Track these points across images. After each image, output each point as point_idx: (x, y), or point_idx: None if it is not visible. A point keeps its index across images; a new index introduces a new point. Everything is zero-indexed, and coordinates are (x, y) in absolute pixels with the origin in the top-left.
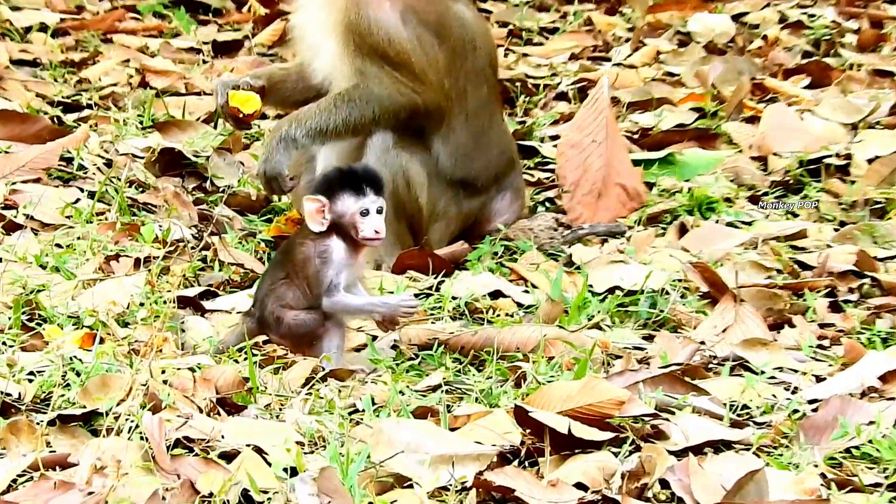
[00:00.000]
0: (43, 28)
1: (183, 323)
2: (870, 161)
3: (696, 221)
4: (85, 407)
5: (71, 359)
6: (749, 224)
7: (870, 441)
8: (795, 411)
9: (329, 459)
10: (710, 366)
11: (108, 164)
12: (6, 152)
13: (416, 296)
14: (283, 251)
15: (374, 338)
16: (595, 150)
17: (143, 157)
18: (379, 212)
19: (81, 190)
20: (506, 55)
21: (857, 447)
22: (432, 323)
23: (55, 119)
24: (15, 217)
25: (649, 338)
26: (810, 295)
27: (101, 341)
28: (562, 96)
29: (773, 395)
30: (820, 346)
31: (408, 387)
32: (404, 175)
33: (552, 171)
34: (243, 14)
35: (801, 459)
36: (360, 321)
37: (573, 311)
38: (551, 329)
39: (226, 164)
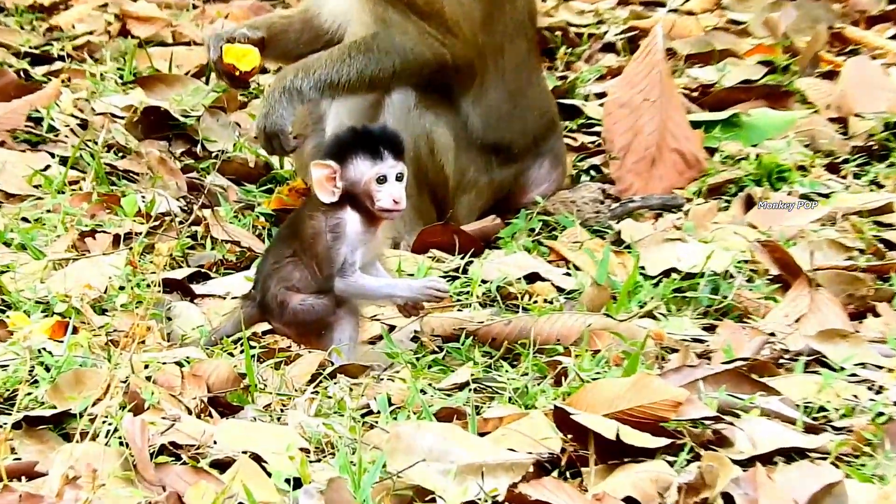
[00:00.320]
0: None
1: (169, 310)
2: None
3: (765, 193)
4: (55, 407)
5: (39, 351)
6: (826, 196)
7: None
8: (880, 414)
9: (338, 469)
10: (781, 361)
11: (83, 125)
12: None
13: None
14: (289, 225)
15: (392, 328)
16: (648, 111)
17: (123, 118)
18: (399, 179)
19: (52, 155)
20: (544, 0)
21: None
22: (459, 311)
23: (21, 73)
24: None
25: (710, 328)
26: None
27: (75, 331)
28: (609, 47)
29: (855, 396)
30: None
31: (430, 385)
32: (428, 139)
33: (598, 134)
34: None
35: (888, 470)
36: (377, 307)
37: (622, 297)
38: (597, 318)
39: (219, 125)
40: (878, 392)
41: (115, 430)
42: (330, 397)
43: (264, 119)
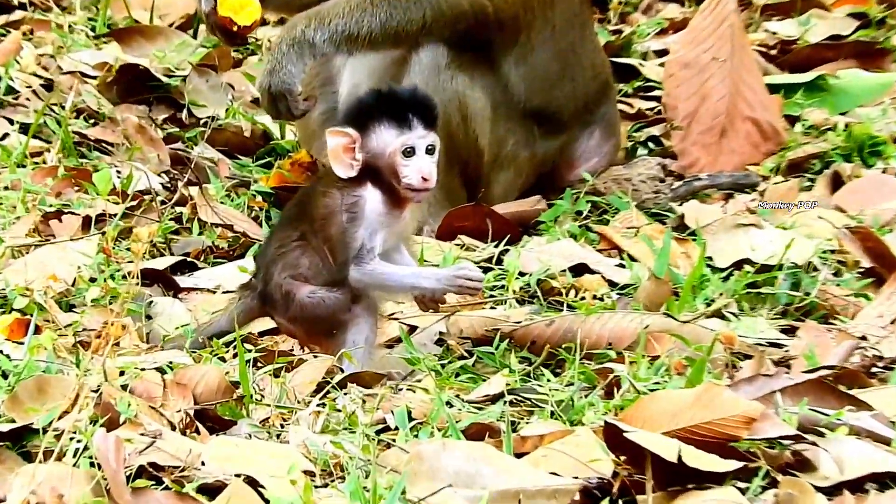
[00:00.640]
0: None
1: (149, 306)
2: None
3: (856, 170)
4: (14, 421)
5: None
6: None
7: None
8: None
9: (349, 496)
10: (874, 370)
11: (48, 86)
12: None
13: None
14: (297, 203)
15: (413, 329)
16: (717, 72)
17: (95, 77)
18: (429, 151)
19: (10, 122)
20: None
21: None
22: (492, 308)
23: None
24: None
25: (790, 331)
26: None
27: (37, 330)
28: None
29: None
30: None
31: (457, 396)
32: (460, 104)
33: (658, 99)
34: None
35: None
36: (398, 302)
37: (686, 293)
38: (655, 318)
39: (209, 86)
40: None
41: (85, 448)
42: (339, 410)
43: (269, 77)
